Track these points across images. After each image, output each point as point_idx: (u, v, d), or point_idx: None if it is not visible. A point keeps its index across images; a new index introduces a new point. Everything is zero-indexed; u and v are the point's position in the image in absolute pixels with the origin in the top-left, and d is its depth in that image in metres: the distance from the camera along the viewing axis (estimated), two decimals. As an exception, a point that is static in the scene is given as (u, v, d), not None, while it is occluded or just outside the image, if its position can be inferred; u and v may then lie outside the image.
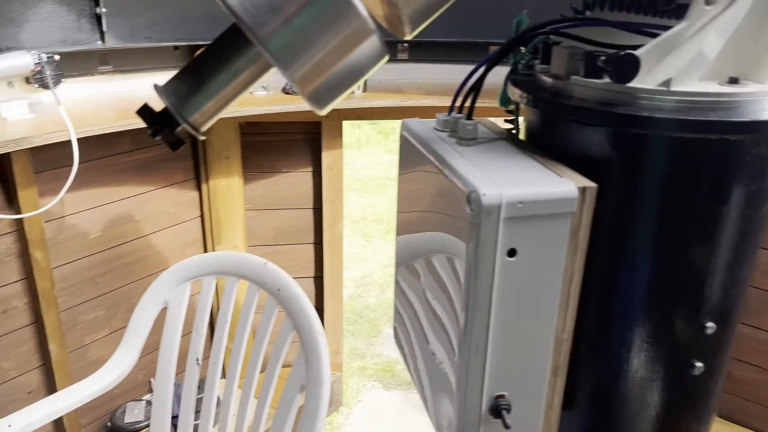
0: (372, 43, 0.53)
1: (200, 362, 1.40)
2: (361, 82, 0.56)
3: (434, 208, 0.69)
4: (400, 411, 2.94)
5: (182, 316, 1.40)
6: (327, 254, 2.39)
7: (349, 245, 4.58)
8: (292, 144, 2.25)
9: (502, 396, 0.64)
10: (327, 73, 0.53)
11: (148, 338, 1.50)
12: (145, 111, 0.57)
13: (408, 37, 0.58)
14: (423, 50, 2.30)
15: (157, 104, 0.58)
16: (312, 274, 2.45)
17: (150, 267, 2.19)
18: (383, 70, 2.34)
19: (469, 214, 0.57)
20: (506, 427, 0.63)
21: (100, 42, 1.93)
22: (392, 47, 2.29)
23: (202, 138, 0.58)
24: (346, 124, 2.19)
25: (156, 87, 0.55)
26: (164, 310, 1.46)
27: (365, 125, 6.95)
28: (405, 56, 2.31)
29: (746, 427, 2.31)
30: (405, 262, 0.82)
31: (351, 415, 2.87)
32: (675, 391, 0.69)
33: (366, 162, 6.37)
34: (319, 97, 0.54)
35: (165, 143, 0.57)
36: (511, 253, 0.58)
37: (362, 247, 4.60)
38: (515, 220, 0.57)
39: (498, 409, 0.64)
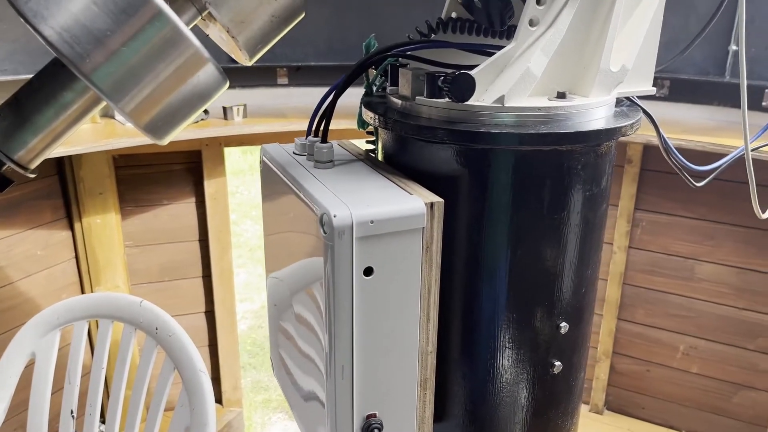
0: (208, 71, 0.53)
1: (75, 415, 1.30)
2: (201, 110, 0.54)
3: (294, 234, 0.68)
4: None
5: (51, 367, 1.30)
6: (217, 287, 2.32)
7: (247, 275, 4.47)
8: (172, 175, 2.17)
9: (373, 415, 0.64)
10: (162, 104, 0.52)
11: (21, 394, 1.38)
12: (-39, 150, 0.52)
13: (248, 63, 0.58)
14: (303, 75, 2.31)
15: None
16: (203, 309, 2.36)
17: (20, 316, 2.02)
18: (264, 96, 2.30)
19: (323, 236, 0.57)
20: (378, 446, 0.63)
21: (-54, 77, 1.77)
22: (271, 72, 2.28)
23: (31, 176, 0.54)
24: (237, 151, 2.15)
25: (-29, 124, 0.52)
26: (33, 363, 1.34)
27: (257, 150, 6.85)
28: (285, 81, 2.31)
29: (634, 417, 2.46)
30: (275, 294, 0.81)
31: (256, 451, 2.77)
32: (539, 392, 0.72)
33: (261, 188, 6.26)
34: (156, 128, 0.52)
35: (-12, 184, 0.53)
36: (368, 271, 0.59)
37: (261, 277, 4.50)
38: (368, 239, 0.58)
39: (370, 429, 0.64)
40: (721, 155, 0.88)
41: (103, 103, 0.55)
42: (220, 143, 2.16)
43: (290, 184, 0.66)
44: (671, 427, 2.39)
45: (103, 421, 1.86)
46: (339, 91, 0.69)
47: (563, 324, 0.70)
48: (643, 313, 2.34)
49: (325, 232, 0.57)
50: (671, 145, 0.79)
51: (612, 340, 2.41)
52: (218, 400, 2.54)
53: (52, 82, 0.52)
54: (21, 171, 0.53)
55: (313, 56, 2.26)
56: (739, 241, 2.13)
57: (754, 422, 2.25)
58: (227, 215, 2.25)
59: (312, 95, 2.34)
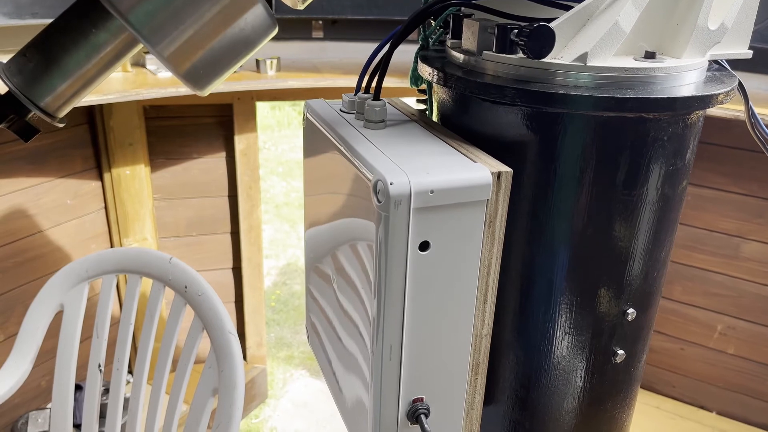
0: (257, 13, 0.46)
1: (102, 368, 1.29)
2: (247, 58, 0.48)
3: (341, 197, 0.63)
4: (328, 397, 2.89)
5: (80, 320, 1.28)
6: (245, 243, 2.29)
7: (273, 231, 4.46)
8: (203, 128, 2.12)
9: (420, 399, 0.60)
10: (205, 50, 0.46)
11: (50, 342, 1.37)
12: (-17, 94, 0.47)
13: (300, 7, 0.51)
14: (339, 28, 2.22)
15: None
16: (230, 265, 2.34)
17: (50, 265, 2.02)
18: (298, 49, 2.21)
19: (377, 206, 0.52)
20: (425, 432, 0.58)
21: (-23, 19, 1.73)
22: (306, 25, 2.20)
23: (59, 125, 0.49)
24: (265, 106, 2.09)
25: (-6, 65, 0.46)
26: (61, 313, 1.33)
27: (285, 106, 6.77)
28: (320, 35, 2.22)
29: (664, 396, 2.40)
30: (315, 257, 0.76)
31: (278, 407, 2.80)
32: (597, 381, 0.66)
33: (289, 145, 6.21)
34: (198, 77, 0.46)
35: (13, 132, 0.48)
36: (424, 246, 0.53)
37: (286, 234, 4.49)
38: (426, 210, 0.52)
39: (416, 414, 0.59)
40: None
41: (139, 46, 0.49)
42: (252, 97, 2.10)
43: (339, 145, 0.60)
44: (702, 407, 2.33)
45: (130, 372, 1.87)
46: (395, 41, 0.62)
47: (630, 310, 0.64)
48: (680, 290, 2.26)
49: (379, 201, 0.51)
50: (759, 117, 0.71)
51: (645, 316, 2.34)
52: (242, 356, 2.55)
53: (84, 21, 0.46)
54: (48, 119, 0.48)
55: (350, 9, 2.16)
56: (791, 220, 2.02)
57: (789, 407, 2.18)
58: (257, 171, 2.21)
59: (348, 50, 2.25)
